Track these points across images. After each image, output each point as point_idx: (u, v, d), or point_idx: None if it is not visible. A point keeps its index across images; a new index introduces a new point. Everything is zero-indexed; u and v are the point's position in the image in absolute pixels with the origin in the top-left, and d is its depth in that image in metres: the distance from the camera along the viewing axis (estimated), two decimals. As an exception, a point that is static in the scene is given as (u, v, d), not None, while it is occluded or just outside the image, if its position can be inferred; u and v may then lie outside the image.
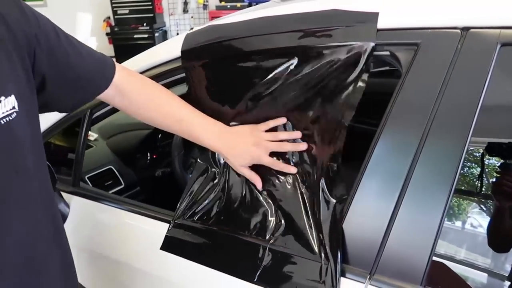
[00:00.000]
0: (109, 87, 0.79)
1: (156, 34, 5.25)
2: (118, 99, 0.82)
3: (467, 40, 0.64)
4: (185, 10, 5.37)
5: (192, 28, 0.97)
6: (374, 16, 0.71)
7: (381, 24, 0.70)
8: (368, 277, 0.68)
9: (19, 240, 0.63)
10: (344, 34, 0.73)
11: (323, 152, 0.81)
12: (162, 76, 0.99)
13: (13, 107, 0.59)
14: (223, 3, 5.05)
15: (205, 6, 5.26)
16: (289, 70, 0.79)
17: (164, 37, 5.51)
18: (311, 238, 0.77)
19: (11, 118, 0.58)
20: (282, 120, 0.83)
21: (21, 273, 0.64)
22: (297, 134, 0.82)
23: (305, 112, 0.80)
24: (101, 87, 0.79)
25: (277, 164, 0.83)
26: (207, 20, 5.29)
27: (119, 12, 5.26)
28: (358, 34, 0.72)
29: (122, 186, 1.36)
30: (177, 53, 0.93)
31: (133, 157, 1.49)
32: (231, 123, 0.89)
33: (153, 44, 5.13)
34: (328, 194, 0.79)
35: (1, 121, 0.57)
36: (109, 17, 5.44)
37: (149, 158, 1.52)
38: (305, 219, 0.80)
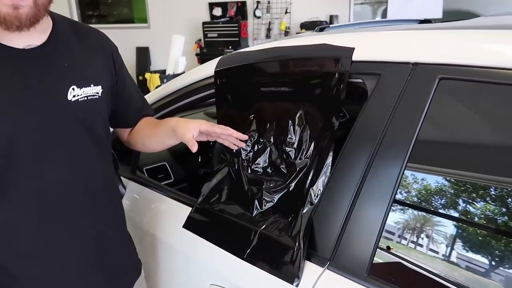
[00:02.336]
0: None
1: (239, 57, 5.67)
2: (131, 135, 1.13)
3: (415, 72, 0.78)
4: (268, 36, 5.75)
5: (226, 53, 1.21)
6: (350, 51, 0.88)
7: (355, 56, 0.87)
8: (328, 263, 0.84)
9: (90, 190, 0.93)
10: (328, 63, 0.91)
11: (313, 158, 0.98)
12: (201, 88, 1.24)
13: (97, 93, 0.92)
14: (303, 30, 5.32)
15: (286, 33, 5.58)
16: (285, 89, 0.99)
17: (247, 59, 5.91)
18: (292, 227, 0.94)
19: (93, 98, 0.91)
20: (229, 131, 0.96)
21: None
22: (230, 131, 0.96)
23: (297, 121, 0.99)
24: (137, 118, 1.12)
25: (214, 128, 0.95)
26: (287, 45, 5.59)
27: (209, 35, 5.82)
28: (338, 64, 0.89)
29: (172, 180, 1.64)
30: (210, 72, 1.18)
31: (184, 157, 1.77)
32: (247, 131, 1.10)
33: (235, 66, 5.57)
34: (313, 193, 0.96)
35: (88, 97, 0.89)
36: (200, 40, 6.03)
37: (197, 159, 1.78)
38: (292, 211, 0.97)
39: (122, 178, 1.43)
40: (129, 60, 6.85)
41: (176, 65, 5.16)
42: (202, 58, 5.89)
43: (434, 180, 0.74)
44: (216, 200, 1.13)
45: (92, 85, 0.91)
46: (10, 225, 0.83)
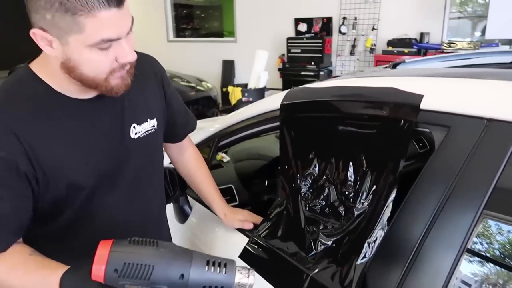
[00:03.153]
0: (185, 138, 1.20)
1: (321, 73, 5.64)
2: (176, 150, 1.22)
3: (490, 129, 0.71)
4: (352, 53, 5.63)
5: (293, 87, 1.21)
6: (419, 98, 0.83)
7: (424, 105, 0.82)
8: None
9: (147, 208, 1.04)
10: (395, 109, 0.86)
11: (373, 205, 0.93)
12: (268, 120, 1.25)
13: (153, 126, 0.99)
14: (390, 48, 5.12)
15: (371, 50, 5.41)
16: (349, 130, 0.95)
17: (329, 76, 5.85)
18: (344, 276, 0.90)
19: (151, 132, 0.98)
20: (249, 225, 1.20)
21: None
22: (250, 226, 1.21)
23: (359, 165, 0.95)
24: (183, 133, 1.20)
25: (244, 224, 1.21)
26: (372, 63, 5.42)
27: (292, 50, 5.86)
28: (405, 110, 0.84)
29: (237, 203, 1.67)
30: (277, 105, 1.18)
31: (251, 180, 1.79)
32: (308, 168, 1.09)
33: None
34: (369, 244, 0.91)
35: (147, 132, 0.97)
36: (283, 54, 6.11)
37: (263, 184, 1.79)
38: (346, 260, 0.93)
39: (189, 198, 1.49)
40: (216, 72, 7.18)
41: (258, 80, 5.28)
42: (284, 72, 5.96)
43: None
44: (272, 234, 1.12)
45: (148, 120, 0.97)
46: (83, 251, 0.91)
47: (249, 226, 1.21)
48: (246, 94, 5.22)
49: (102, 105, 0.86)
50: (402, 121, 0.84)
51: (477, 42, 4.66)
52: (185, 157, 1.25)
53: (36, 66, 0.82)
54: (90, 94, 0.85)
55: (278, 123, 1.21)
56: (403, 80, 0.91)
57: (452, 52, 4.65)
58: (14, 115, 0.77)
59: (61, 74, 0.79)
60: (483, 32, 5.06)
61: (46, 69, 0.81)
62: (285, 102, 1.17)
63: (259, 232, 1.16)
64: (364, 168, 0.94)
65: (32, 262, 0.77)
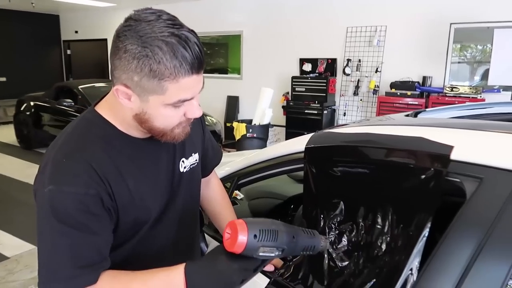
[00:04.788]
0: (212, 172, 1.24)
1: (325, 112, 5.73)
2: (203, 183, 1.21)
3: (523, 183, 0.73)
4: (355, 93, 5.75)
5: (317, 131, 1.25)
6: (449, 148, 0.86)
7: (455, 156, 0.85)
8: None
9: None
10: (424, 158, 0.89)
11: (399, 256, 0.94)
12: (289, 162, 1.28)
13: (196, 160, 1.04)
14: (393, 90, 5.24)
15: (375, 91, 5.54)
16: (376, 177, 0.98)
17: (332, 115, 5.95)
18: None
19: (194, 166, 1.03)
20: (270, 267, 1.14)
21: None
22: (271, 268, 1.13)
23: (386, 213, 0.97)
24: (212, 167, 1.23)
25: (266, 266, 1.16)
26: (375, 103, 5.53)
27: (297, 89, 5.99)
28: (435, 160, 0.87)
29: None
30: (302, 148, 1.21)
31: (273, 216, 1.79)
32: (332, 212, 1.10)
33: (321, 120, 5.62)
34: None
35: (191, 166, 1.02)
36: (288, 92, 6.23)
37: (287, 219, 1.80)
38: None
39: (206, 235, 1.49)
40: (220, 108, 7.29)
41: (263, 117, 5.36)
42: (288, 110, 6.06)
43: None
44: (294, 275, 1.12)
45: (193, 154, 1.03)
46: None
47: (270, 268, 1.21)
48: (250, 130, 5.28)
49: (160, 143, 0.90)
50: (433, 170, 0.87)
51: (478, 87, 4.79)
52: (210, 188, 1.27)
53: (102, 110, 0.87)
54: (148, 134, 0.89)
55: (300, 165, 1.24)
56: (433, 131, 0.94)
57: (454, 96, 4.77)
58: (91, 154, 0.81)
59: (131, 121, 0.84)
60: (483, 77, 5.21)
61: (113, 114, 0.86)
62: (310, 146, 1.20)
63: (280, 272, 1.16)
64: (391, 217, 0.95)
65: (141, 274, 0.83)
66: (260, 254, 0.79)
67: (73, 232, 0.78)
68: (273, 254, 0.81)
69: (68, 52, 10.66)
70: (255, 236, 0.77)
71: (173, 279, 0.80)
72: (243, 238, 0.76)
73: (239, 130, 5.34)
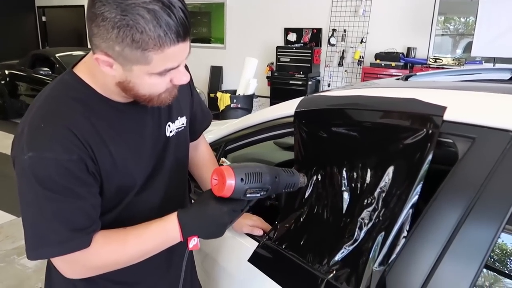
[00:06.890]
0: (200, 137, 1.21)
1: (309, 83, 5.71)
2: (192, 150, 1.18)
3: (515, 142, 0.73)
4: (340, 64, 5.73)
5: (307, 95, 1.23)
6: (442, 109, 0.85)
7: (448, 116, 0.84)
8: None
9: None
10: (417, 119, 0.89)
11: (392, 214, 0.95)
12: (278, 126, 1.26)
13: (183, 124, 1.01)
14: (377, 61, 5.23)
15: (360, 62, 5.52)
16: (367, 140, 0.97)
17: (317, 86, 5.93)
18: (361, 281, 0.91)
19: (181, 130, 1.00)
20: (259, 232, 1.20)
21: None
22: (259, 232, 1.20)
23: (377, 174, 0.97)
24: (201, 131, 1.21)
25: (254, 230, 1.21)
26: (360, 74, 5.53)
27: (281, 59, 5.92)
28: (428, 121, 0.87)
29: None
30: (291, 112, 1.19)
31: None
32: (323, 175, 1.10)
33: (305, 91, 5.60)
34: (388, 250, 0.93)
35: (178, 130, 0.99)
36: (272, 63, 6.16)
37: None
38: (364, 266, 0.94)
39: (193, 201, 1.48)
40: (203, 78, 7.17)
41: (247, 87, 5.31)
42: (273, 81, 6.01)
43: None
44: (284, 239, 1.13)
45: (179, 117, 0.99)
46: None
47: (259, 232, 1.21)
48: (235, 101, 5.23)
49: (144, 107, 0.86)
50: (426, 131, 0.86)
51: (461, 58, 4.83)
52: (198, 153, 1.24)
53: (81, 73, 0.82)
54: (131, 99, 0.85)
55: (289, 130, 1.23)
56: (425, 92, 0.93)
57: (437, 67, 4.80)
58: (70, 118, 0.77)
59: (113, 87, 0.80)
60: (465, 50, 5.25)
61: (93, 77, 0.81)
62: (300, 109, 1.18)
63: (270, 236, 1.16)
64: (384, 177, 0.96)
65: (134, 229, 0.84)
66: (248, 195, 0.84)
67: (60, 198, 0.75)
68: (258, 195, 0.86)
69: (44, 18, 10.22)
70: (241, 179, 0.82)
71: (167, 227, 0.83)
72: (231, 182, 0.80)
73: (223, 100, 5.29)
